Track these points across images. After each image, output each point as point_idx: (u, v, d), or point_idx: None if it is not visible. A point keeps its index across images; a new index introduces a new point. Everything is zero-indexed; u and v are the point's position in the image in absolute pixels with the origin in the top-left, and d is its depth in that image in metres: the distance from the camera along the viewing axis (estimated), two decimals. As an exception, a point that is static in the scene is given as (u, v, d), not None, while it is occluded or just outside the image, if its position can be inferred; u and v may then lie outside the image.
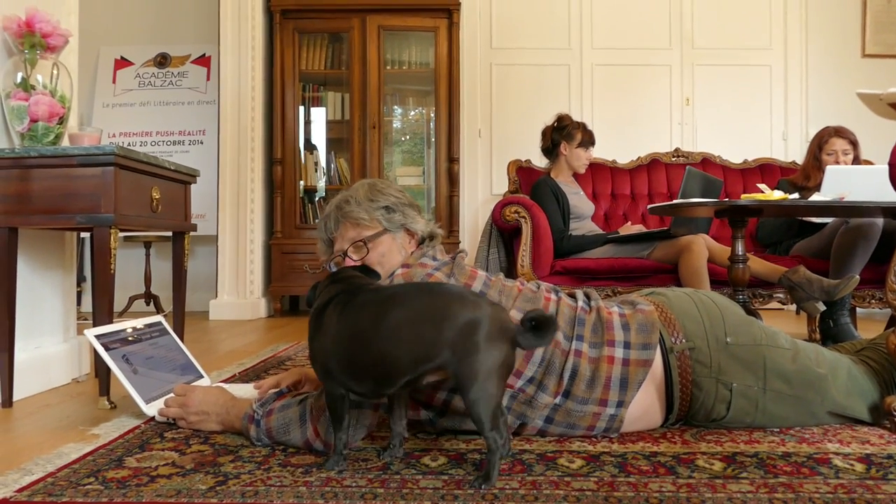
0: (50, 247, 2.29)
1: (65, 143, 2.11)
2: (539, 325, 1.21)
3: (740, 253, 2.59)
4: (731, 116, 5.02)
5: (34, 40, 2.00)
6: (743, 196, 2.68)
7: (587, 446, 1.41)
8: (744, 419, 1.52)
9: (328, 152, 4.87)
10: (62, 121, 2.07)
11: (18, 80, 2.02)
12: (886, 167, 1.44)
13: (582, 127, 3.55)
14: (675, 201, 2.69)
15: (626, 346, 1.47)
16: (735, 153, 4.27)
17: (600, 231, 3.52)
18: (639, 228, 3.54)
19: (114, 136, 4.91)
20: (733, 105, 5.03)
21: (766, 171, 4.05)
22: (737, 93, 5.04)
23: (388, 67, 4.77)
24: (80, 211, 1.91)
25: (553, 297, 1.55)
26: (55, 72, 2.09)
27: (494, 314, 1.20)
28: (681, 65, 5.06)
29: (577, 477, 1.22)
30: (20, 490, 1.17)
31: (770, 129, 5.05)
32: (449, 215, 4.65)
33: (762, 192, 2.70)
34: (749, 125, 5.01)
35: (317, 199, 4.88)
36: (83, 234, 3.79)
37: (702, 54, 5.04)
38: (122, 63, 5.10)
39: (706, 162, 4.09)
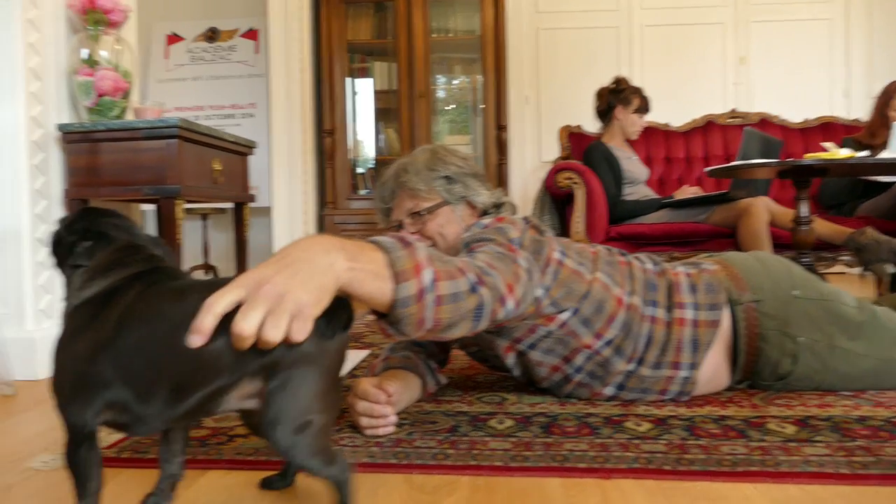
0: (117, 219, 2.36)
1: (129, 117, 2.16)
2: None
3: (805, 214, 2.52)
4: (789, 74, 4.83)
5: (96, 16, 2.05)
6: (806, 156, 2.59)
7: (653, 410, 1.41)
8: (812, 377, 1.48)
9: (377, 122, 4.88)
10: (126, 95, 2.12)
11: (85, 56, 2.07)
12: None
13: (639, 92, 3.45)
14: (735, 163, 2.62)
15: (696, 307, 1.45)
16: (794, 112, 4.12)
17: (655, 196, 3.46)
18: (695, 192, 3.45)
19: (168, 111, 4.99)
20: (791, 62, 4.84)
21: (828, 129, 3.91)
22: (795, 49, 4.84)
23: (434, 35, 4.73)
24: (146, 182, 1.97)
25: (624, 259, 1.53)
26: (117, 47, 2.13)
27: None
28: (735, 22, 4.88)
29: (646, 440, 1.22)
30: (109, 447, 1.23)
31: (830, 85, 4.84)
32: (498, 183, 4.61)
33: (826, 150, 2.61)
34: (808, 82, 4.82)
35: (366, 169, 4.91)
36: (143, 208, 3.90)
37: (757, 10, 4.85)
38: (174, 38, 5.17)
39: (764, 122, 3.97)
